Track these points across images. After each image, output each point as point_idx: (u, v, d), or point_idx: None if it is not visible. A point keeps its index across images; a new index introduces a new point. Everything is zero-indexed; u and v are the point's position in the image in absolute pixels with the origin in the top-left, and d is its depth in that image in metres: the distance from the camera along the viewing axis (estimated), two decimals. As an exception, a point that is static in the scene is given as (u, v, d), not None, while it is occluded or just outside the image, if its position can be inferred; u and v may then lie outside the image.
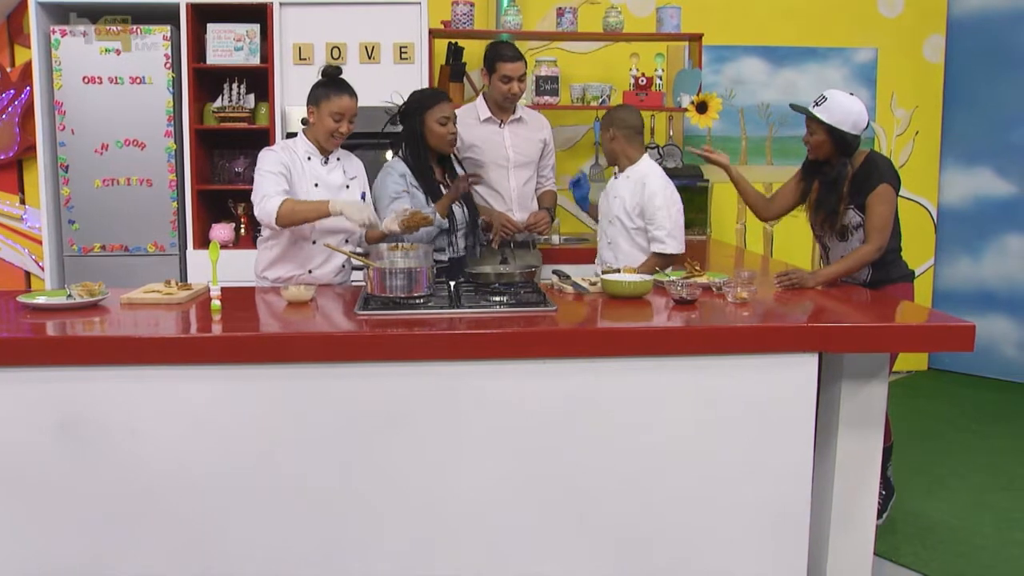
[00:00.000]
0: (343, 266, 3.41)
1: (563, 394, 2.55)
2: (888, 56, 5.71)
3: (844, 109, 3.23)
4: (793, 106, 3.45)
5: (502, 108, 3.94)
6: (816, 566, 2.79)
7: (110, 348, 2.45)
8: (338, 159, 3.38)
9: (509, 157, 3.94)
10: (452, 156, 3.71)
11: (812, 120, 3.29)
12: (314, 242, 3.30)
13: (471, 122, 3.92)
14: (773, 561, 2.68)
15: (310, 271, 3.34)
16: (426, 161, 3.53)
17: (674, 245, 3.57)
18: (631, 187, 3.61)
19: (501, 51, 3.83)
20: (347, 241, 3.34)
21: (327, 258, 3.34)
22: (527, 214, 3.94)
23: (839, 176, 3.29)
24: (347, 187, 3.38)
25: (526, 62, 3.87)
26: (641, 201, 3.56)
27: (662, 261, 3.56)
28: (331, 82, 3.25)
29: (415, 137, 3.51)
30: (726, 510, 2.64)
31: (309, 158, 3.30)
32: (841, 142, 3.26)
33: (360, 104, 3.29)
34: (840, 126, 3.23)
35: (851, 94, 3.30)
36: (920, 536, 3.48)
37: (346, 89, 3.24)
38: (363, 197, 3.42)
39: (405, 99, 3.55)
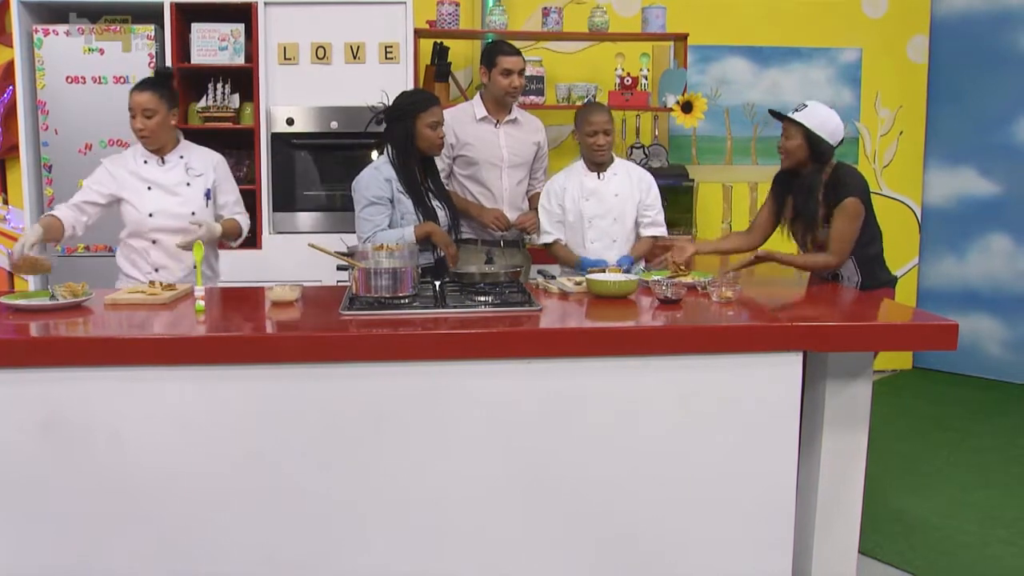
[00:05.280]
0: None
1: (548, 394, 2.54)
2: (872, 56, 5.74)
3: (823, 117, 3.31)
4: (772, 112, 3.50)
5: (500, 106, 3.92)
6: (801, 565, 2.81)
7: (94, 349, 2.44)
8: (181, 156, 3.43)
9: (504, 157, 3.93)
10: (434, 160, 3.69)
11: (791, 124, 3.34)
12: (153, 242, 3.36)
13: (466, 120, 3.91)
14: (758, 560, 2.68)
15: (157, 270, 3.39)
16: (414, 164, 3.51)
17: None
18: (627, 182, 3.76)
19: (501, 46, 3.86)
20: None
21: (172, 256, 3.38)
22: (517, 214, 3.94)
23: (813, 184, 3.34)
24: (188, 184, 3.42)
25: (524, 59, 3.89)
26: (641, 191, 3.76)
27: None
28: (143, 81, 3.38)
29: (405, 139, 3.47)
30: (711, 509, 2.64)
31: (145, 162, 3.37)
32: (816, 149, 3.31)
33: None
34: (817, 131, 3.29)
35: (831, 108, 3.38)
36: (904, 534, 3.50)
37: (145, 87, 3.32)
38: (207, 194, 3.46)
39: (391, 100, 3.53)
